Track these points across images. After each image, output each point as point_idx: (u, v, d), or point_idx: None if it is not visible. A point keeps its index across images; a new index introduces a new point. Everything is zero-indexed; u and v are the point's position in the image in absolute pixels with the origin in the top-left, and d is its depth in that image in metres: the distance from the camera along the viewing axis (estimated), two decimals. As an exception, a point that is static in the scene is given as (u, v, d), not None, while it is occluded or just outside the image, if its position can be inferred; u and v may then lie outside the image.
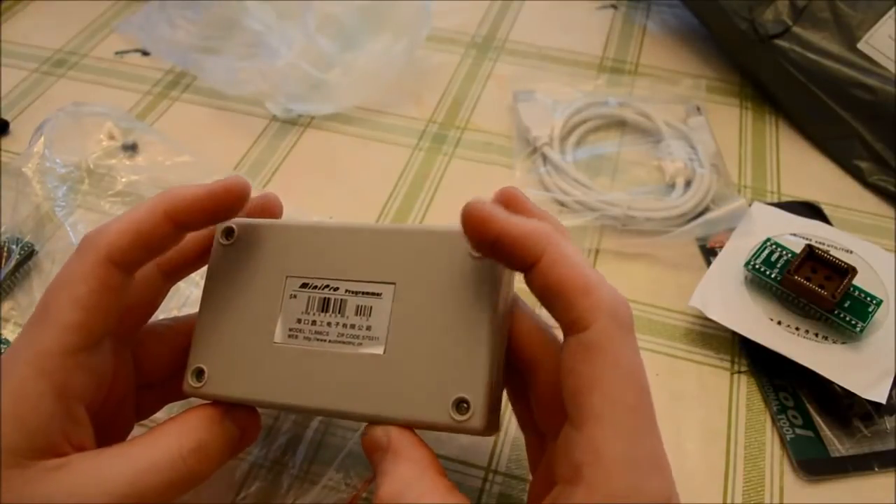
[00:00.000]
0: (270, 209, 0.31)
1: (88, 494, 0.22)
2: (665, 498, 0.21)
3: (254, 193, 0.43)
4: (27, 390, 0.23)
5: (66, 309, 0.24)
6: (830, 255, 0.37)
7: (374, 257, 0.27)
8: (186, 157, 0.45)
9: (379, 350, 0.25)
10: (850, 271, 0.36)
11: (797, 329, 0.37)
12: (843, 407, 0.35)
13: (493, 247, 0.24)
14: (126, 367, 0.28)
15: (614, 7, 0.61)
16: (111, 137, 0.46)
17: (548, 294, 0.23)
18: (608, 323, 0.22)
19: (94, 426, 0.25)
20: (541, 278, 0.23)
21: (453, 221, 0.25)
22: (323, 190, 0.45)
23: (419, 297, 0.26)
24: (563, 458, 0.22)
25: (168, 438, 0.24)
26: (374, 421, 0.25)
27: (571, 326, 0.22)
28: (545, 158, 0.46)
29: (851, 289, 0.36)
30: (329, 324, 0.26)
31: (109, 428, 0.27)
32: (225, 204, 0.27)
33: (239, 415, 0.27)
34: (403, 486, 0.23)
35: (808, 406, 0.35)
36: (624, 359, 0.22)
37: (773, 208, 0.43)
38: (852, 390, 0.34)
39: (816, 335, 0.36)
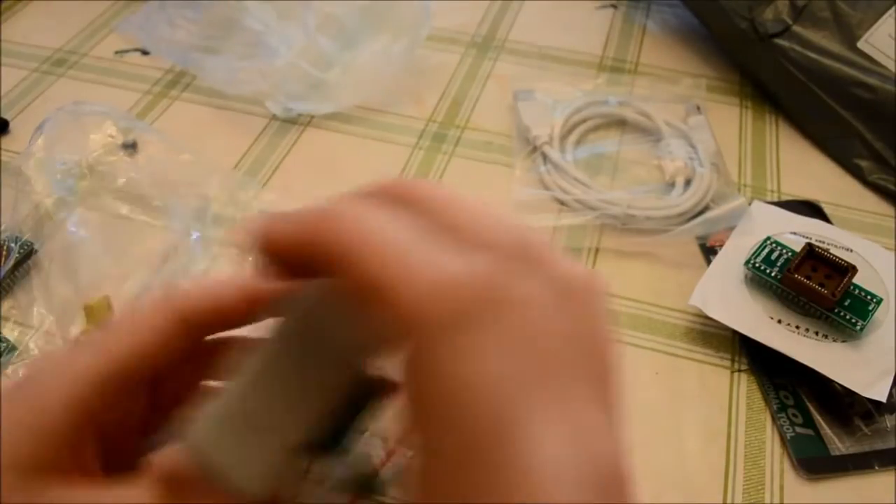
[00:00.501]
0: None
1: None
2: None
3: (254, 193, 0.43)
4: (48, 400, 0.21)
5: (123, 343, 0.21)
6: (830, 254, 0.37)
7: None
8: (186, 156, 0.45)
9: None
10: (850, 270, 0.36)
11: (797, 327, 0.36)
12: (843, 405, 0.35)
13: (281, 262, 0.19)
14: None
15: (614, 6, 0.61)
16: (111, 136, 0.46)
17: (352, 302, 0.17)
18: (422, 332, 0.15)
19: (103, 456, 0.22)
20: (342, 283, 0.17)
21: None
22: (323, 190, 0.45)
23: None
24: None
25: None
26: None
27: (383, 335, 0.17)
28: (545, 157, 0.46)
29: (851, 287, 0.36)
30: None
31: (117, 457, 0.24)
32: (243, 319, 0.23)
33: None
34: None
35: (809, 404, 0.35)
36: (470, 377, 0.15)
37: (773, 207, 0.43)
38: (852, 389, 0.34)
39: (817, 334, 0.36)
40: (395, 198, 0.17)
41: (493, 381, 0.15)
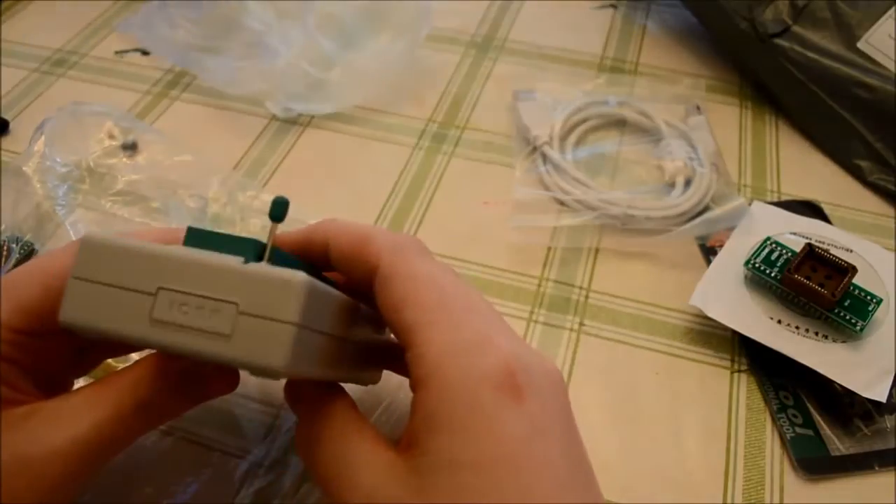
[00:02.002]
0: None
1: (56, 441, 0.22)
2: (501, 363, 0.21)
3: (254, 193, 0.43)
4: None
5: (28, 294, 0.24)
6: (830, 254, 0.37)
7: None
8: (186, 156, 0.45)
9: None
10: (850, 270, 0.36)
11: (797, 328, 0.37)
12: (843, 406, 0.35)
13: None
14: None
15: (614, 7, 0.61)
16: (111, 137, 0.46)
17: (346, 264, 0.25)
18: (393, 254, 0.24)
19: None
20: (335, 257, 0.25)
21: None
22: (323, 189, 0.45)
23: None
24: (409, 373, 0.23)
25: (121, 390, 0.24)
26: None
27: (368, 275, 0.24)
28: (545, 158, 0.46)
29: (851, 287, 0.36)
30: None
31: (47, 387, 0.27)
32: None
33: (196, 367, 0.26)
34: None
35: (809, 405, 0.35)
36: (418, 271, 0.23)
37: (772, 207, 0.43)
38: (852, 389, 0.34)
39: (816, 334, 0.36)
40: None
41: (439, 270, 0.24)
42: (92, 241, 0.22)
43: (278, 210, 0.23)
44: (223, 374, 0.27)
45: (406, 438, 0.22)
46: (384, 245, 0.24)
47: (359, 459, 0.22)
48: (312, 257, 0.26)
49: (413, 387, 0.22)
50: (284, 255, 0.24)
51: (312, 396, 0.25)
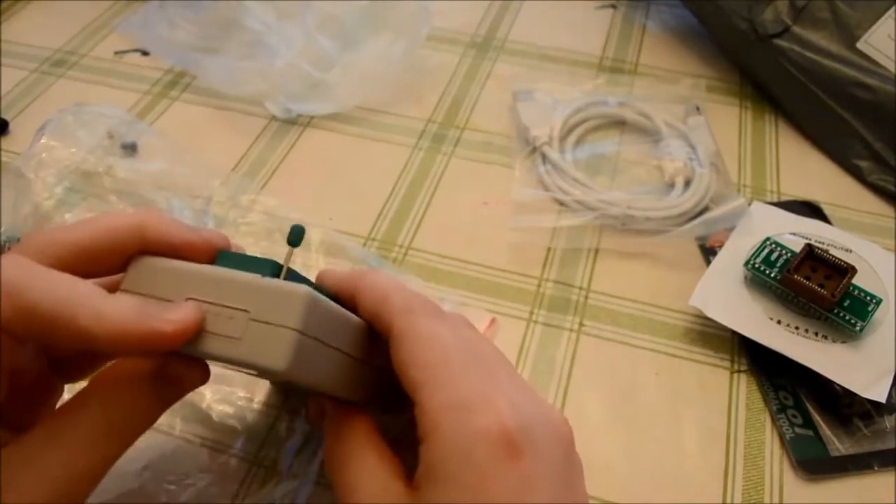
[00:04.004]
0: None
1: (27, 488, 0.22)
2: (498, 424, 0.22)
3: (254, 193, 0.43)
4: None
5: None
6: (830, 255, 0.37)
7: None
8: (186, 156, 0.45)
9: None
10: (850, 270, 0.36)
11: (797, 328, 0.37)
12: (842, 406, 0.35)
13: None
14: (30, 349, 0.26)
15: (614, 7, 0.61)
16: (111, 137, 0.46)
17: (369, 319, 0.27)
18: (403, 317, 0.25)
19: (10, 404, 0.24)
20: (360, 311, 0.27)
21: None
22: (322, 190, 0.45)
23: None
24: (417, 429, 0.24)
25: (87, 416, 0.24)
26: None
27: (387, 334, 0.25)
28: (545, 158, 0.46)
29: (851, 288, 0.36)
30: None
31: (30, 401, 0.26)
32: (196, 257, 0.26)
33: (170, 365, 0.26)
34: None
35: (808, 405, 0.35)
36: (424, 333, 0.25)
37: (772, 207, 0.43)
38: (852, 389, 0.34)
39: (816, 334, 0.36)
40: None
41: (443, 330, 0.25)
42: (141, 261, 0.26)
43: (295, 236, 0.26)
44: (192, 367, 0.26)
45: (415, 480, 0.24)
46: (397, 307, 0.26)
47: (370, 488, 0.24)
48: (346, 305, 0.27)
49: (419, 439, 0.23)
50: (299, 276, 0.26)
51: (337, 417, 0.27)
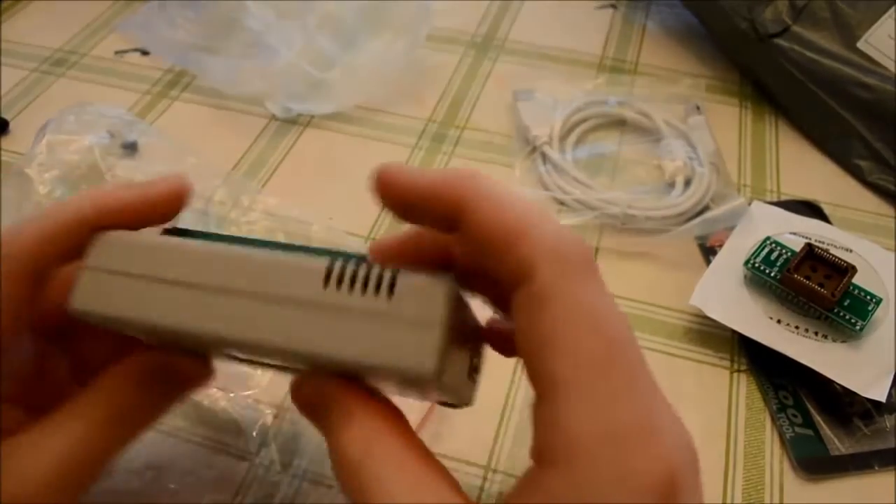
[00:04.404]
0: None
1: (37, 475, 0.21)
2: (665, 468, 0.17)
3: (254, 193, 0.43)
4: None
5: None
6: (830, 254, 0.37)
7: None
8: (186, 156, 0.45)
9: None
10: (850, 270, 0.36)
11: (797, 328, 0.37)
12: (842, 405, 0.35)
13: (406, 210, 0.21)
14: (54, 358, 0.27)
15: (614, 7, 0.61)
16: (112, 137, 0.46)
17: (482, 249, 0.19)
18: (554, 266, 0.18)
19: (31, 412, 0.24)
20: (469, 232, 0.19)
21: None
22: (322, 189, 0.45)
23: None
24: (536, 432, 0.18)
25: (91, 406, 0.23)
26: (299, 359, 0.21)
27: (513, 280, 0.19)
28: (545, 157, 0.46)
29: (851, 287, 0.36)
30: None
31: (47, 386, 0.26)
32: (162, 212, 0.24)
33: (175, 363, 0.25)
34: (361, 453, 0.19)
35: (808, 405, 0.35)
36: (582, 305, 0.18)
37: (772, 207, 0.43)
38: (852, 389, 0.34)
39: (816, 334, 0.36)
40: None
41: (609, 312, 0.18)
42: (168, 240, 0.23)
43: None
44: (198, 366, 0.25)
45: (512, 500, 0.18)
46: (544, 250, 0.18)
47: None
48: (426, 215, 0.21)
49: (538, 453, 0.18)
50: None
51: (355, 410, 0.20)
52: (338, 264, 0.20)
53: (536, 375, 0.18)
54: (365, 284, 0.20)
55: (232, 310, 0.20)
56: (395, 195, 0.21)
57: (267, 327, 0.20)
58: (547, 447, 0.18)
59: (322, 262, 0.20)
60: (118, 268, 0.22)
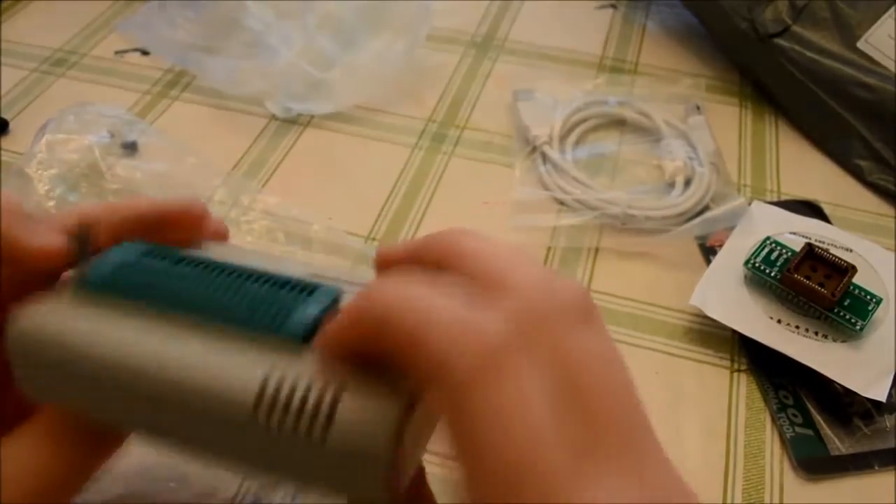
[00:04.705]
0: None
1: None
2: None
3: (254, 193, 0.43)
4: None
5: None
6: (830, 254, 0.37)
7: None
8: (186, 156, 0.45)
9: None
10: (850, 270, 0.36)
11: (797, 327, 0.37)
12: (843, 405, 0.35)
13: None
14: None
15: (614, 7, 0.61)
16: (112, 137, 0.46)
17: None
18: (452, 375, 0.16)
19: None
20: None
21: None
22: (322, 189, 0.45)
23: None
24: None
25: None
26: None
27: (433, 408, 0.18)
28: (545, 157, 0.46)
29: (851, 287, 0.36)
30: None
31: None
32: (175, 228, 0.23)
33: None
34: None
35: (808, 404, 0.35)
36: (488, 414, 0.16)
37: (772, 207, 0.43)
38: (852, 389, 0.34)
39: (816, 334, 0.36)
40: (437, 257, 0.20)
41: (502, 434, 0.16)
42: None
43: None
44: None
45: None
46: (433, 356, 0.17)
47: None
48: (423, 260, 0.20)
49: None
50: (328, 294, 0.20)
51: None
52: (271, 386, 0.18)
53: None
54: (300, 411, 0.18)
55: (158, 421, 0.19)
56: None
57: (197, 440, 0.19)
58: None
59: (254, 383, 0.18)
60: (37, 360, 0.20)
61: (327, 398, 0.18)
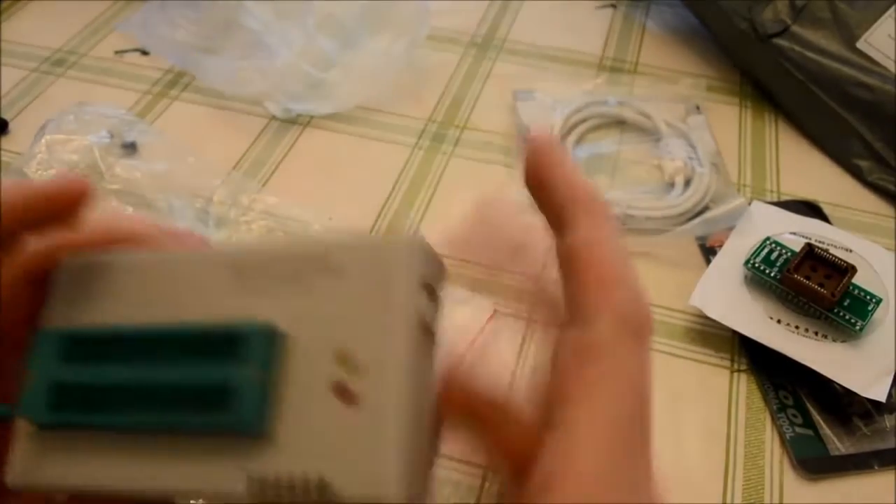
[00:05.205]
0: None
1: None
2: None
3: (254, 192, 0.43)
4: None
5: None
6: (830, 254, 0.37)
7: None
8: (186, 156, 0.45)
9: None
10: (850, 270, 0.36)
11: (797, 328, 0.37)
12: (842, 405, 0.35)
13: (537, 191, 0.22)
14: None
15: (614, 6, 0.61)
16: (111, 137, 0.46)
17: (565, 270, 0.21)
18: (615, 326, 0.19)
19: None
20: (565, 250, 0.21)
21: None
22: (322, 189, 0.45)
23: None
24: (543, 452, 0.19)
25: None
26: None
27: (574, 317, 0.20)
28: (545, 157, 0.46)
29: (851, 287, 0.36)
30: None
31: None
32: (54, 212, 0.21)
33: None
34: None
35: (808, 404, 0.35)
36: (626, 370, 0.19)
37: (772, 207, 0.43)
38: (852, 389, 0.34)
39: (816, 334, 0.36)
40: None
41: (644, 383, 0.20)
42: None
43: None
44: None
45: None
46: (617, 304, 0.20)
47: None
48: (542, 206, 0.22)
49: (538, 473, 0.18)
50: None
51: None
52: (256, 486, 0.17)
53: (560, 409, 0.19)
54: (303, 490, 0.17)
55: None
56: (539, 179, 0.21)
57: None
58: (547, 473, 0.18)
59: (241, 485, 0.17)
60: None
61: (314, 481, 0.17)
